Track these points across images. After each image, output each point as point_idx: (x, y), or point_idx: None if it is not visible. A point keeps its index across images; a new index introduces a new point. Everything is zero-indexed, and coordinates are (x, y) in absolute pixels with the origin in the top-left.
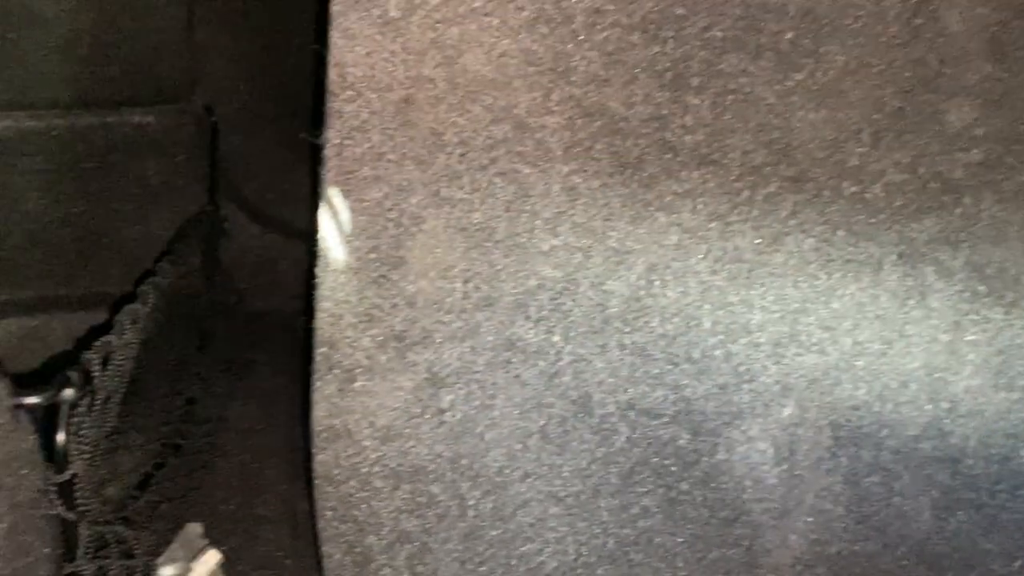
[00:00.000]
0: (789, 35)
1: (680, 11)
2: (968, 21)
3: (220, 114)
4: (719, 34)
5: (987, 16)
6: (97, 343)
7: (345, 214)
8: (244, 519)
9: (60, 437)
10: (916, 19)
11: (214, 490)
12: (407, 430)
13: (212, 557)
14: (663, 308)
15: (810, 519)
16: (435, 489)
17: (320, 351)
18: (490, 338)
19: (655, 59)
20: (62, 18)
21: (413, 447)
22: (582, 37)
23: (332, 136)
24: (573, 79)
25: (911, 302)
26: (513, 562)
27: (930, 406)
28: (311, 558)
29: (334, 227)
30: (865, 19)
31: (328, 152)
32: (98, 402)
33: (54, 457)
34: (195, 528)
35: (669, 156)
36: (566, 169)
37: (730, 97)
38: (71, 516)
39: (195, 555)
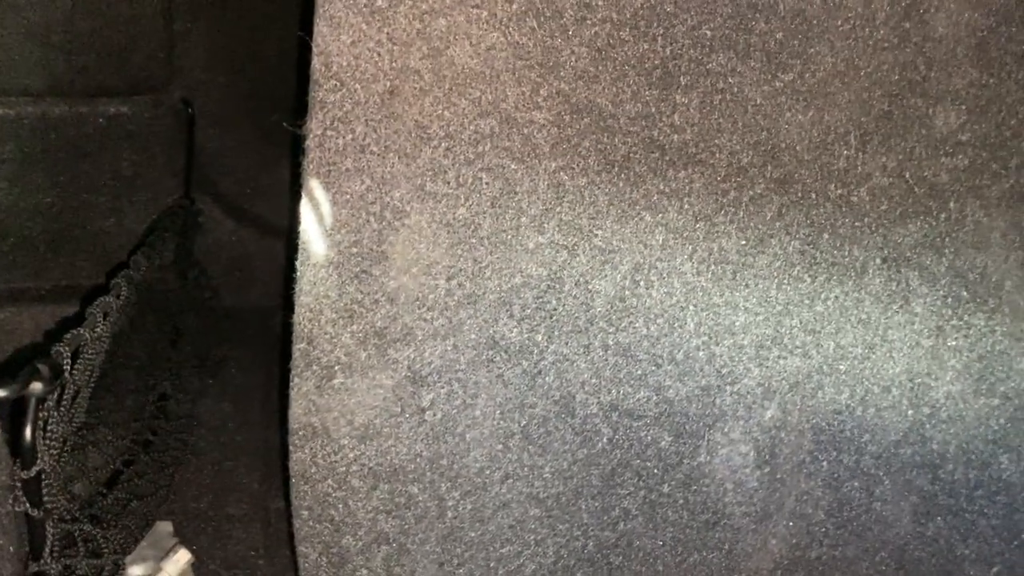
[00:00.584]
0: (778, 35)
1: (670, 8)
2: (956, 26)
3: (197, 106)
4: (708, 33)
5: (975, 21)
6: (67, 336)
7: (326, 207)
8: (216, 518)
9: (27, 432)
10: (905, 23)
11: (185, 488)
12: (386, 429)
13: (182, 556)
14: (647, 308)
15: (790, 523)
16: (414, 489)
17: (298, 347)
18: (472, 336)
19: (644, 56)
20: (35, 3)
21: (392, 446)
22: (571, 32)
23: (314, 126)
24: (561, 74)
25: (894, 306)
26: (492, 564)
27: (911, 411)
28: (284, 558)
29: (314, 220)
30: (854, 21)
31: (310, 143)
32: (67, 397)
33: (21, 452)
34: (165, 526)
35: (656, 155)
36: (553, 166)
37: (718, 97)
38: (37, 513)
39: (165, 554)
